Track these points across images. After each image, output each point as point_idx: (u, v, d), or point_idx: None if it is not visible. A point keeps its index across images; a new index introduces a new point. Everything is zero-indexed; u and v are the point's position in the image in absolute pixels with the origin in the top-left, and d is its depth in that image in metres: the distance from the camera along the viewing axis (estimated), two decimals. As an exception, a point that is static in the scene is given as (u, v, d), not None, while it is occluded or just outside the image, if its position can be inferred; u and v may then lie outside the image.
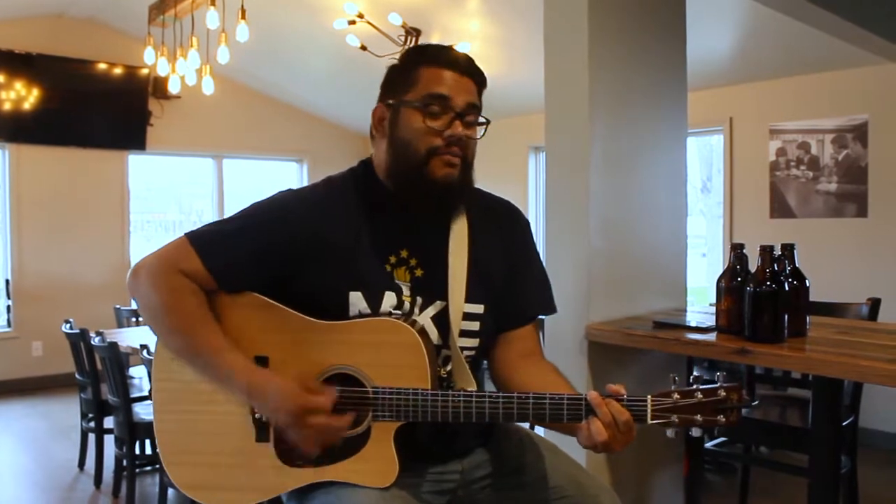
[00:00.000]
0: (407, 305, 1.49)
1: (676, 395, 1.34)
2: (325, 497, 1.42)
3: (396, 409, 1.39)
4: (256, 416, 1.45)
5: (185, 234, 1.47)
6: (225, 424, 1.47)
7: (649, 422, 1.33)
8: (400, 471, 1.40)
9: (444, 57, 1.48)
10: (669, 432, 1.36)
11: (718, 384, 1.34)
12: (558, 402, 1.35)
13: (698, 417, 1.33)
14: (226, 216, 1.56)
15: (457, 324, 1.50)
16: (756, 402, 1.34)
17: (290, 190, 1.55)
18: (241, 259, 1.45)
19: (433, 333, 1.50)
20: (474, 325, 1.53)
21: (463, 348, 1.50)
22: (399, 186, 1.50)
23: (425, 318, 1.50)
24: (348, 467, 1.42)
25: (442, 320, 1.50)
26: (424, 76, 1.46)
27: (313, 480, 1.43)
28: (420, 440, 1.47)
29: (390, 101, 1.49)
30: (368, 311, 1.46)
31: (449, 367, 1.51)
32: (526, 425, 1.66)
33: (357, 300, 1.46)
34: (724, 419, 1.34)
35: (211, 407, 1.47)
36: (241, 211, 1.52)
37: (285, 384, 1.38)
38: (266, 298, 1.46)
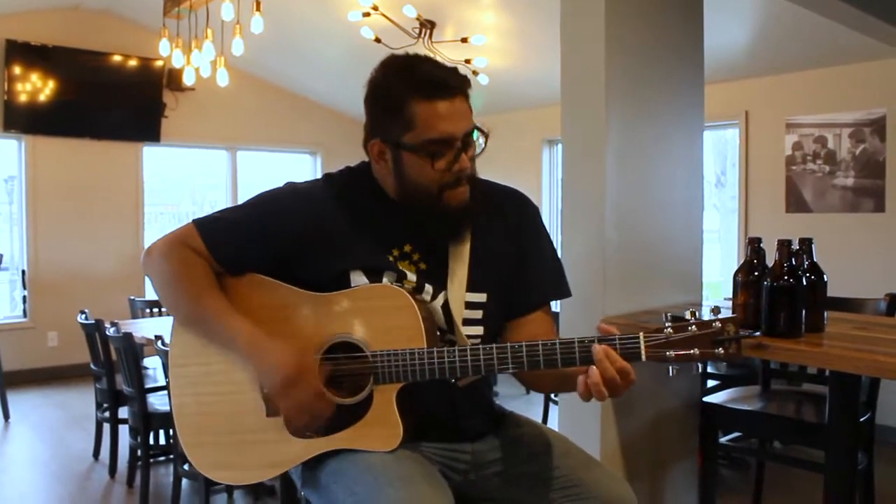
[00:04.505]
0: (408, 286, 1.52)
1: (669, 330, 1.32)
2: (336, 464, 1.47)
3: (395, 370, 1.43)
4: (265, 391, 1.48)
5: (193, 221, 1.54)
6: (238, 403, 1.51)
7: (644, 359, 1.32)
8: (404, 434, 1.43)
9: (432, 84, 1.43)
10: (670, 371, 1.33)
11: (714, 316, 1.32)
12: (551, 347, 1.38)
13: (695, 351, 1.30)
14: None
15: (459, 313, 1.53)
16: (758, 332, 1.27)
17: (291, 183, 1.61)
18: (243, 246, 1.52)
19: (440, 320, 1.54)
20: (477, 314, 1.57)
21: (468, 336, 1.54)
22: (414, 214, 1.53)
23: (436, 306, 1.54)
24: (354, 433, 1.46)
25: (445, 309, 1.54)
26: (419, 115, 1.43)
27: (322, 449, 1.47)
28: (425, 411, 1.51)
29: (388, 140, 1.48)
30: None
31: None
32: (539, 418, 1.66)
33: (358, 278, 1.51)
34: (722, 351, 1.30)
35: (225, 388, 1.51)
36: (247, 201, 1.58)
37: (285, 348, 1.42)
38: (264, 277, 1.52)
